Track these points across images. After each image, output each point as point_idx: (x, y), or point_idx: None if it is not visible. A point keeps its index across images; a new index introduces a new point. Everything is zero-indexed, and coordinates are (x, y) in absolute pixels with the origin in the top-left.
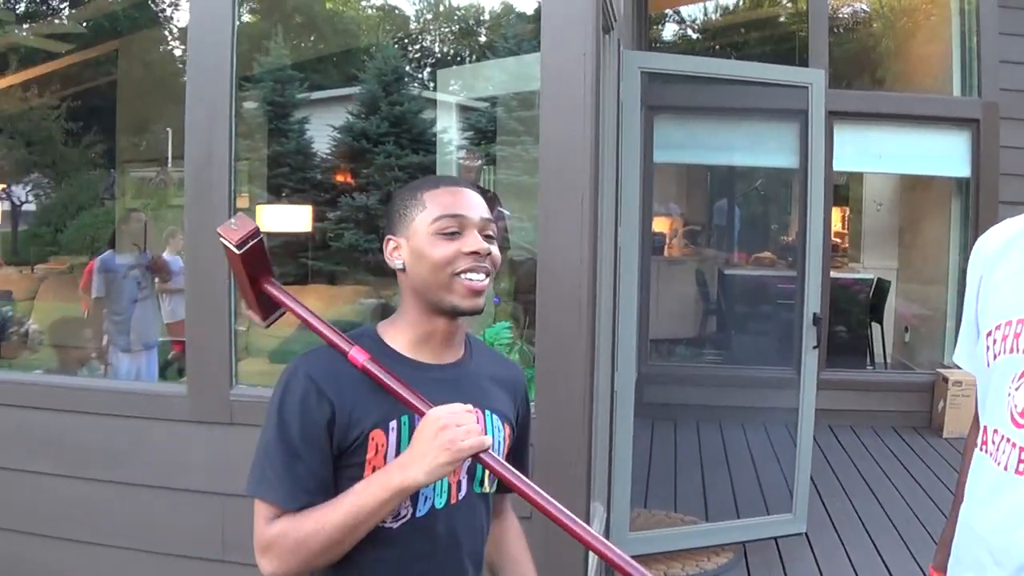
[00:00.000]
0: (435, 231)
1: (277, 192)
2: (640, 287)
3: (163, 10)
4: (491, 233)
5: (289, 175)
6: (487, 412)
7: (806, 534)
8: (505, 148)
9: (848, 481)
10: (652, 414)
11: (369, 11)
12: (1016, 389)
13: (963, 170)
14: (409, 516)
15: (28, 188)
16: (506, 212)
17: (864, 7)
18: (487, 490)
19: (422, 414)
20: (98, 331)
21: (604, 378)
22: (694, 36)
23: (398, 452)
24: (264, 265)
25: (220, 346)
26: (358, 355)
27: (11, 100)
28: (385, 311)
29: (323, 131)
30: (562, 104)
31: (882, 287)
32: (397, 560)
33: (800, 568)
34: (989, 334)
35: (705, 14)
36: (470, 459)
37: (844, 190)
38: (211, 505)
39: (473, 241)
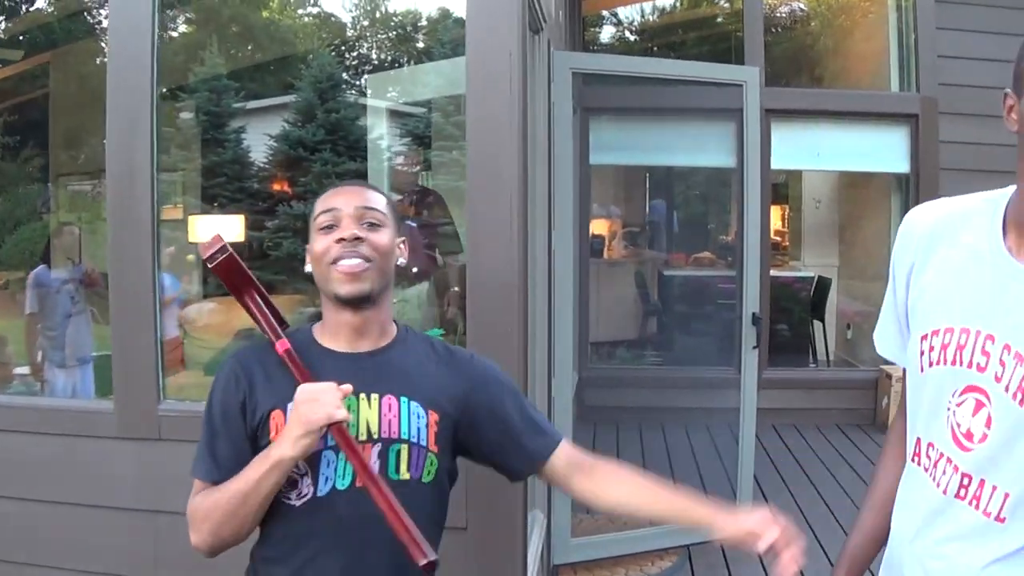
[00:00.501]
0: (317, 228)
1: (213, 202)
2: (579, 290)
3: (99, 22)
4: (373, 220)
5: (225, 185)
6: (403, 398)
7: None
8: (442, 153)
9: (793, 480)
10: (594, 418)
11: (306, 19)
12: (958, 406)
13: (902, 166)
14: (310, 495)
15: None
16: (411, 224)
17: (802, 6)
18: (405, 477)
19: None
20: (33, 346)
21: (541, 383)
22: (631, 37)
23: None
24: (244, 277)
25: (146, 360)
26: (279, 346)
27: None
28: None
29: (260, 140)
30: (489, 106)
31: (823, 284)
32: (299, 535)
33: (745, 569)
34: (924, 338)
35: (642, 15)
36: (377, 445)
37: (783, 188)
38: (141, 522)
39: (341, 228)
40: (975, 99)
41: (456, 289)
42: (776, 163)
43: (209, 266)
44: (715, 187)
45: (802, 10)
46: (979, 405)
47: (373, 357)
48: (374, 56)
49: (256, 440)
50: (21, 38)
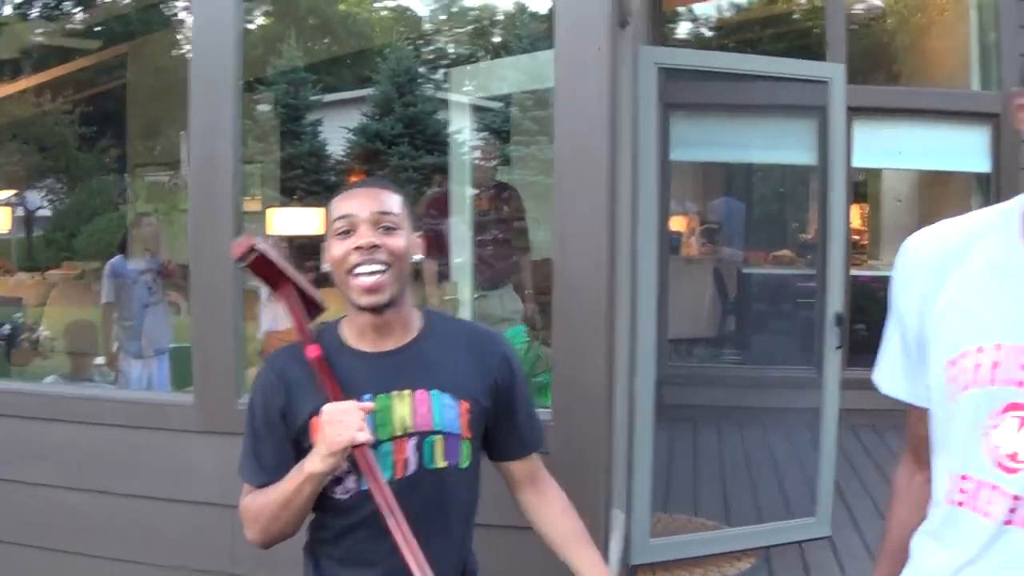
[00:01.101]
0: (333, 233)
1: (291, 194)
2: (658, 287)
3: (175, 14)
4: (389, 224)
5: (303, 177)
6: (433, 392)
7: (830, 537)
8: (520, 148)
9: (871, 482)
10: (671, 416)
11: (382, 12)
12: (995, 428)
13: (983, 165)
14: (355, 490)
15: (42, 194)
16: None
17: (879, 2)
18: (442, 465)
19: None
20: (109, 336)
21: (623, 381)
22: (708, 33)
23: None
24: (278, 272)
25: (226, 355)
26: (310, 352)
27: (24, 106)
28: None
29: (337, 133)
30: (577, 101)
31: None
32: (347, 526)
33: (824, 572)
34: (952, 363)
35: (719, 11)
36: (413, 439)
37: (863, 186)
38: (220, 516)
39: (357, 235)
40: None
41: (528, 291)
42: (856, 161)
43: (241, 266)
44: (794, 184)
45: (879, 7)
46: (1023, 422)
47: (401, 354)
48: (451, 50)
49: (299, 443)
50: (98, 29)
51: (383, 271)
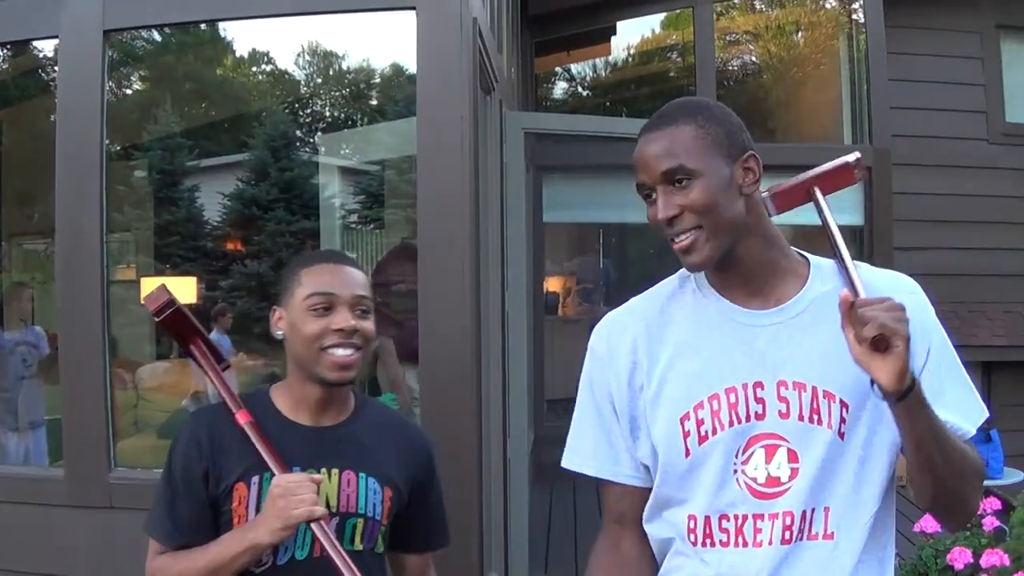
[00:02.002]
0: (307, 307)
1: (167, 261)
2: (533, 348)
3: (53, 79)
4: (365, 308)
5: (179, 244)
6: (361, 475)
7: None
8: (396, 211)
9: None
10: (550, 476)
11: (259, 77)
12: (744, 463)
13: (856, 218)
14: (270, 564)
15: None
16: None
17: (754, 59)
18: (359, 548)
19: None
20: None
21: (496, 445)
22: (584, 93)
23: (258, 505)
24: (191, 327)
25: (97, 428)
26: (241, 417)
27: None
28: (274, 380)
29: (213, 199)
30: (441, 166)
31: None
32: None
33: None
34: (686, 417)
35: (594, 71)
36: (335, 519)
37: None
38: None
39: (341, 318)
40: (928, 150)
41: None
42: None
43: (156, 319)
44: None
45: (754, 63)
46: (771, 450)
47: (335, 431)
48: (328, 114)
49: (217, 506)
50: None
51: (355, 353)
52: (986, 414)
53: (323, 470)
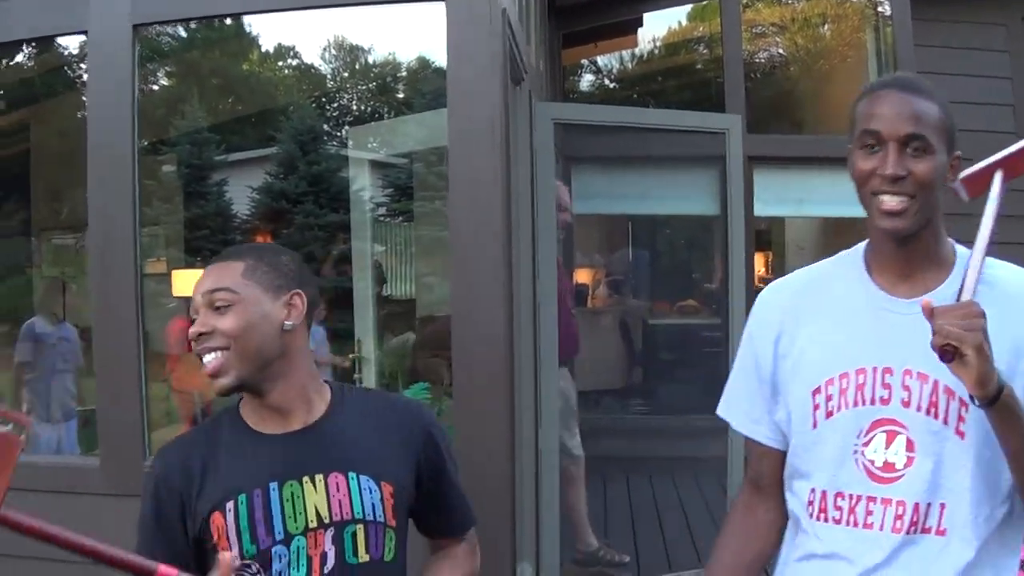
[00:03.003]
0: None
1: (197, 254)
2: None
3: (79, 76)
4: (220, 303)
5: (209, 237)
6: (351, 475)
7: None
8: (425, 204)
9: None
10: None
11: (286, 71)
12: (865, 445)
13: None
14: None
15: None
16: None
17: (781, 51)
18: (365, 559)
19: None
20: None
21: (528, 436)
22: (611, 85)
23: (238, 531)
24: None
25: (132, 416)
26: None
27: None
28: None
29: (242, 192)
30: (471, 159)
31: None
32: None
33: None
34: (817, 391)
35: (621, 63)
36: (329, 530)
37: (766, 235)
38: None
39: (196, 323)
40: (957, 142)
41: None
42: (759, 210)
43: None
44: (699, 234)
45: (781, 55)
46: (891, 436)
47: (308, 433)
48: (355, 107)
49: (201, 543)
50: (1, 92)
51: (216, 356)
52: None
53: (305, 479)
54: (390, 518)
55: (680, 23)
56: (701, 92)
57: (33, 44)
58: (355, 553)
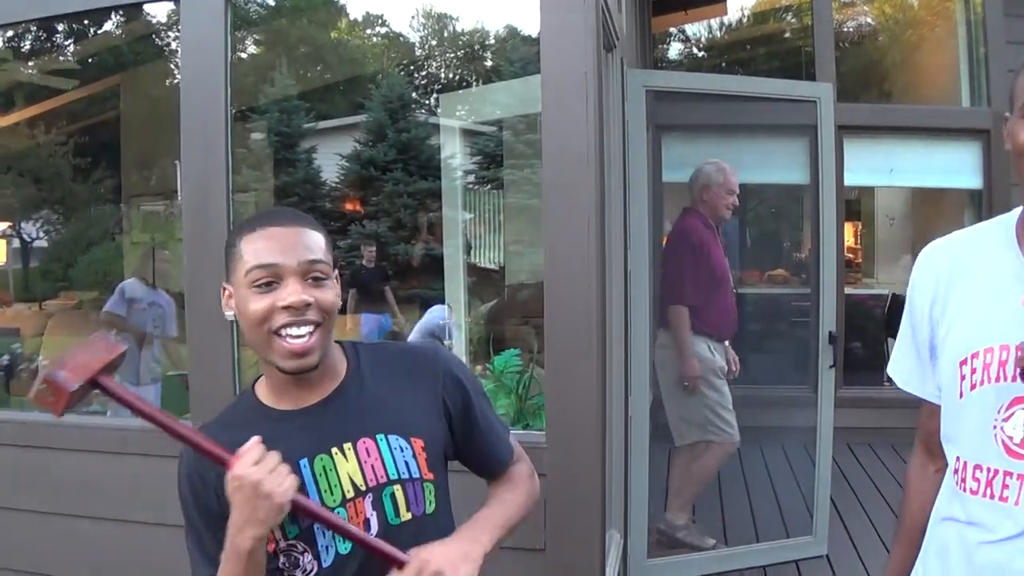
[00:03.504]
0: (250, 283)
1: None
2: (653, 306)
3: (167, 43)
4: (319, 274)
5: (298, 204)
6: (379, 437)
7: (827, 556)
8: (514, 172)
9: (868, 500)
10: (669, 437)
11: (374, 39)
12: (1005, 420)
13: (975, 181)
14: (315, 569)
15: (38, 225)
16: None
17: (869, 20)
18: (407, 517)
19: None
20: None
21: (618, 402)
22: (700, 54)
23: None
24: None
25: (224, 381)
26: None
27: (18, 138)
28: (395, 338)
29: (331, 160)
30: (564, 125)
31: (898, 302)
32: None
33: None
34: (964, 363)
35: (710, 32)
36: (367, 496)
37: (856, 204)
38: None
39: (289, 291)
40: None
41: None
42: (849, 180)
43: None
44: (788, 203)
45: (869, 24)
46: None
47: (330, 404)
48: (443, 75)
49: None
50: (91, 60)
51: (312, 332)
52: None
53: (334, 450)
54: (425, 472)
55: None
56: (789, 61)
57: (121, 12)
58: (397, 514)
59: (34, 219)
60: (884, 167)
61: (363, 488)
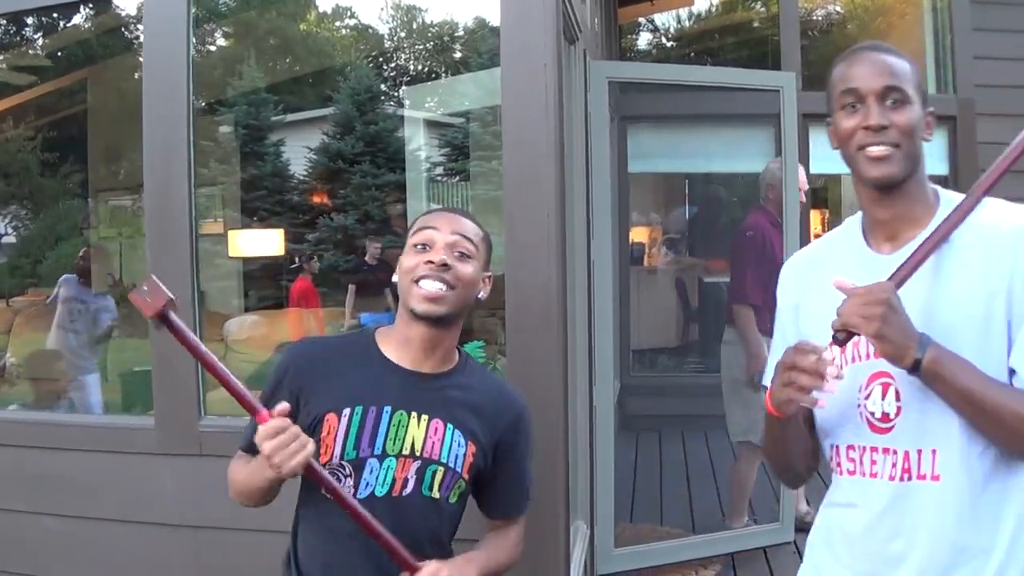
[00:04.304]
0: (411, 244)
1: (253, 215)
2: (619, 298)
3: (136, 37)
4: (464, 251)
5: (266, 198)
6: (449, 425)
7: (794, 542)
8: (481, 163)
9: None
10: (636, 426)
11: (343, 31)
12: (866, 398)
13: (941, 168)
14: (353, 493)
15: (6, 220)
16: None
17: (838, 9)
18: (436, 495)
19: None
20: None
21: (582, 393)
22: (668, 44)
23: (346, 435)
24: (170, 311)
25: (187, 377)
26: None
27: None
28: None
29: (299, 153)
30: (525, 117)
31: None
32: (333, 527)
33: None
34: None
35: (678, 22)
36: (416, 462)
37: (823, 192)
38: (183, 537)
39: (434, 253)
40: (1012, 99)
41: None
42: (815, 168)
43: (155, 328)
44: (755, 192)
45: (838, 13)
46: (885, 387)
47: (433, 380)
48: (411, 67)
49: (309, 432)
50: (59, 54)
51: (443, 289)
52: None
53: (413, 413)
54: (464, 471)
55: None
56: (758, 50)
57: (90, 5)
58: (430, 488)
59: (2, 214)
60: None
61: (418, 454)
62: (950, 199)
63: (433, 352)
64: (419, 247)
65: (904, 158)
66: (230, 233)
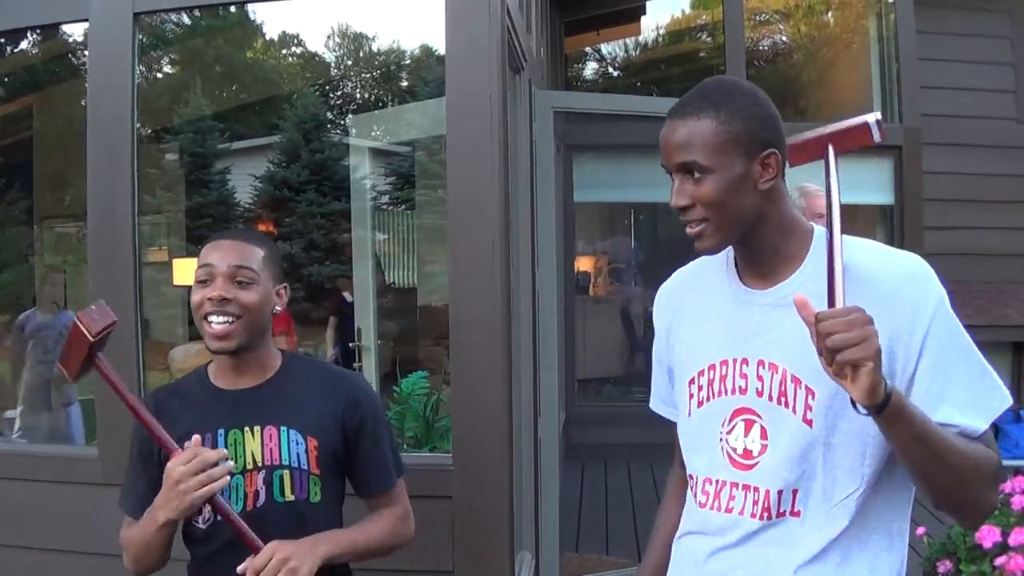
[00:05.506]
0: (195, 279)
1: (199, 243)
2: (564, 328)
3: (83, 63)
4: (244, 279)
5: (211, 226)
6: (282, 428)
7: None
8: (427, 192)
9: None
10: (582, 456)
11: (290, 59)
12: (728, 433)
13: (887, 197)
14: (211, 519)
15: None
16: None
17: (784, 39)
18: (292, 498)
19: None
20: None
21: (527, 423)
22: (615, 74)
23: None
24: (103, 344)
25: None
26: (127, 400)
27: None
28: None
29: (245, 181)
30: (469, 146)
31: None
32: (210, 553)
33: None
34: (692, 381)
35: (625, 51)
36: (261, 472)
37: None
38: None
39: (213, 287)
40: (958, 129)
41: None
42: None
43: (91, 340)
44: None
45: (784, 42)
46: (749, 424)
47: (255, 392)
48: (358, 95)
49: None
50: (6, 80)
51: (230, 322)
52: (1007, 402)
53: (246, 429)
54: (314, 466)
55: (683, 11)
56: (704, 79)
57: (37, 31)
58: (282, 493)
59: None
60: (797, 182)
61: (260, 464)
62: (821, 232)
63: (247, 370)
64: (201, 282)
65: (717, 229)
66: (175, 261)
